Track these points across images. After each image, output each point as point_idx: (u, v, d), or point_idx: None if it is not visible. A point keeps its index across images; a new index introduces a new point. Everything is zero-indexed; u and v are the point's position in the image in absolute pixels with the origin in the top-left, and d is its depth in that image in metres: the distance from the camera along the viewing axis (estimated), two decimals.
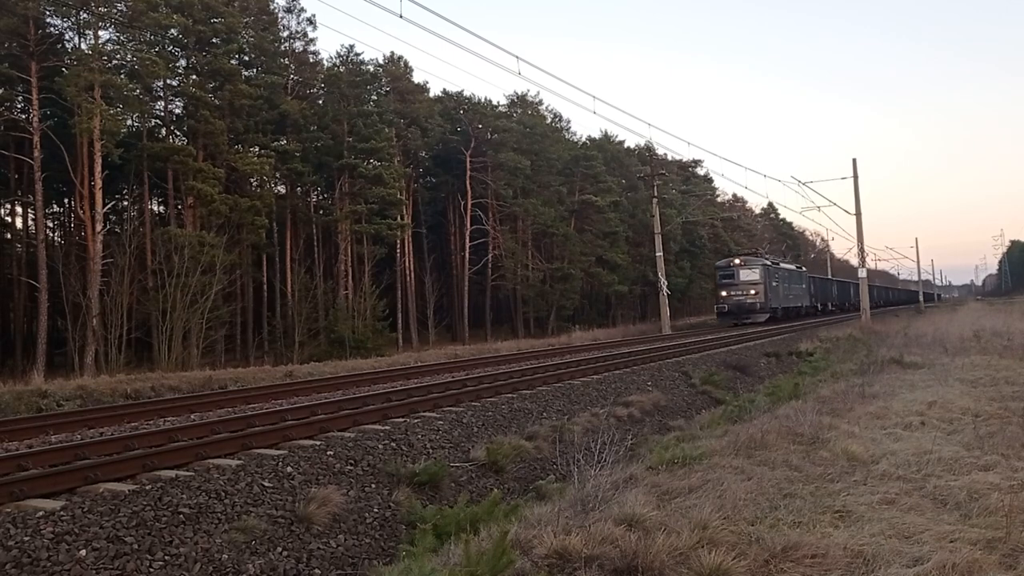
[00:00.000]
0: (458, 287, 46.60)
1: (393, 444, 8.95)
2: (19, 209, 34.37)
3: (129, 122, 31.65)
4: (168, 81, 33.41)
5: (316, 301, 35.69)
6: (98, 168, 28.03)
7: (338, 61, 41.78)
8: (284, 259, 37.81)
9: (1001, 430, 8.31)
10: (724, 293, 40.41)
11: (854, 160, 37.21)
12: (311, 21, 40.89)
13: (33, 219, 32.46)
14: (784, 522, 5.02)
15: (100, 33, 30.18)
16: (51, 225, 36.00)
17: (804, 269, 53.22)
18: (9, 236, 34.65)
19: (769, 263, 41.69)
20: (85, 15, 29.69)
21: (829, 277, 68.02)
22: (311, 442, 8.55)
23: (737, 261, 41.06)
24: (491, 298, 47.75)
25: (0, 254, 34.56)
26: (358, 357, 27.66)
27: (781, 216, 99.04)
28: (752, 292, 39.21)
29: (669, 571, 4.24)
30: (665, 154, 61.60)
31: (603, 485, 5.74)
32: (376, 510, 7.42)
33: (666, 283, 41.53)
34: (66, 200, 36.62)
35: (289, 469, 7.56)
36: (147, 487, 6.56)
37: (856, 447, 7.36)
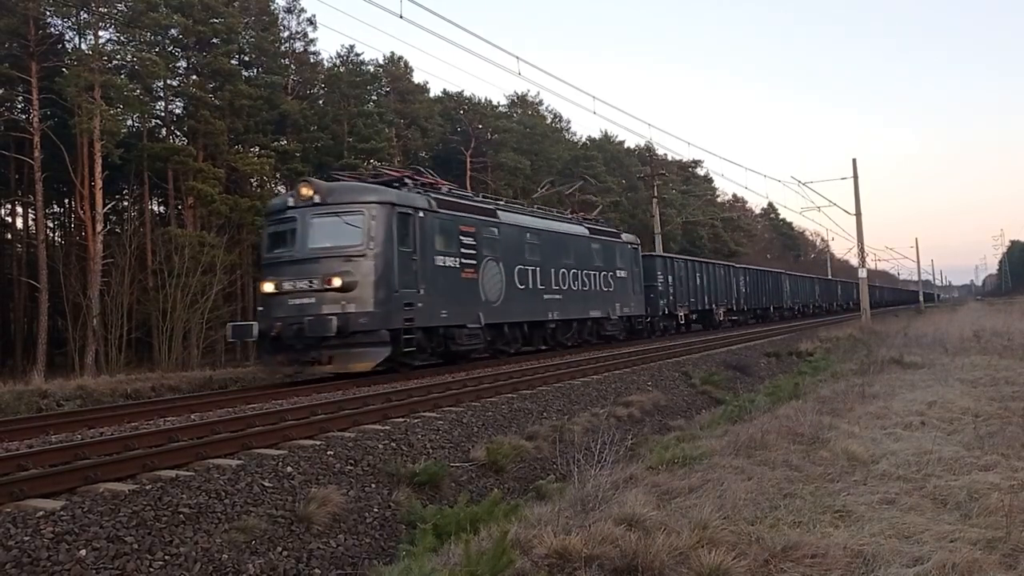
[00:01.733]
0: None
1: (393, 444, 8.95)
2: (19, 209, 34.41)
3: (129, 122, 31.68)
4: (168, 81, 33.43)
5: None
6: (98, 168, 28.04)
7: (338, 61, 41.82)
8: None
9: (1001, 430, 8.31)
10: (270, 287, 14.53)
11: (854, 160, 37.16)
12: (311, 21, 40.91)
13: (33, 219, 32.48)
14: (784, 522, 5.02)
15: (100, 33, 30.22)
16: (51, 225, 35.99)
17: (630, 240, 26.70)
18: (9, 236, 34.67)
19: (420, 202, 15.80)
20: (85, 15, 29.70)
21: (724, 263, 42.27)
22: (311, 442, 8.54)
23: (307, 192, 14.68)
24: None
25: (0, 254, 34.57)
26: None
27: (781, 216, 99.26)
28: (336, 285, 13.94)
29: (669, 571, 4.24)
30: (665, 154, 61.66)
31: (603, 485, 5.74)
32: (376, 510, 7.42)
33: None
34: (66, 200, 36.62)
35: (289, 469, 7.55)
36: (147, 487, 6.56)
37: (856, 447, 7.36)
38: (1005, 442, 7.60)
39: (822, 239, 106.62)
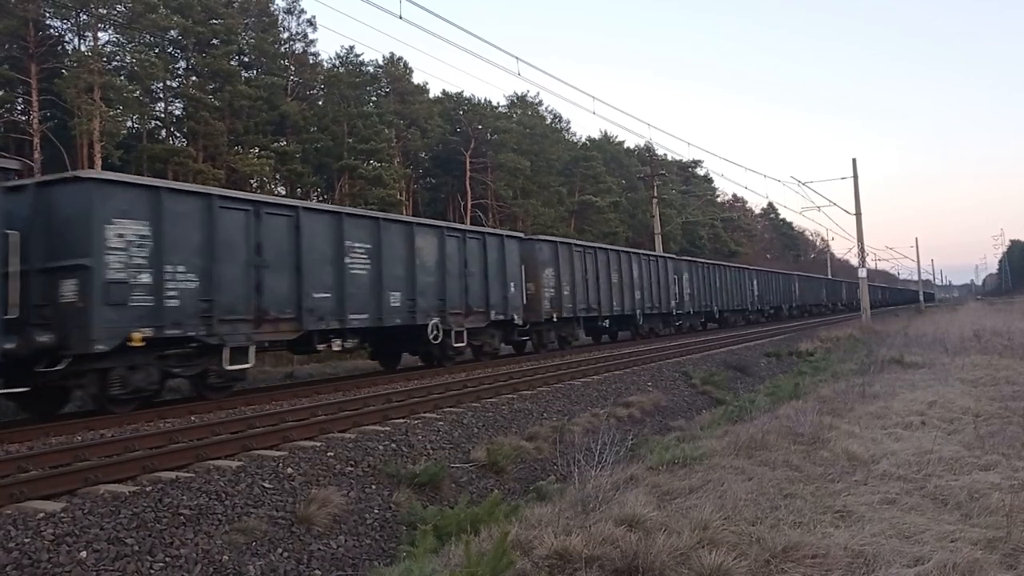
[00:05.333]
0: None
1: (393, 445, 8.95)
2: None
3: (129, 123, 31.67)
4: (167, 82, 33.43)
5: None
6: (98, 169, 28.04)
7: (338, 62, 41.81)
8: None
9: (1002, 430, 8.31)
10: None
11: (854, 160, 37.15)
12: (311, 22, 40.85)
13: None
14: (785, 522, 5.02)
15: (99, 35, 30.23)
16: None
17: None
18: None
19: None
20: (85, 17, 29.71)
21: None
22: (311, 443, 8.54)
23: None
24: None
25: None
26: (359, 358, 27.57)
27: (781, 216, 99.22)
28: None
29: (670, 571, 4.24)
30: (665, 154, 61.68)
31: (604, 485, 5.74)
32: (376, 511, 7.41)
33: None
34: None
35: (289, 470, 7.56)
36: (147, 488, 6.56)
37: (857, 447, 7.36)
38: (1005, 442, 7.60)
39: (822, 239, 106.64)
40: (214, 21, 33.40)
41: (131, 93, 29.63)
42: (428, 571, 4.24)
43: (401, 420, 10.13)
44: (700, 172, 74.42)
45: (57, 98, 27.37)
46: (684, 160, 63.85)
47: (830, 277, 71.58)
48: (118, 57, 31.03)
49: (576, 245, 24.06)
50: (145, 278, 10.58)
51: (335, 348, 14.33)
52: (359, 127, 38.22)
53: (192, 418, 10.51)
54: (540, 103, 55.13)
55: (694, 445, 7.76)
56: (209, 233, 11.52)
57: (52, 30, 30.36)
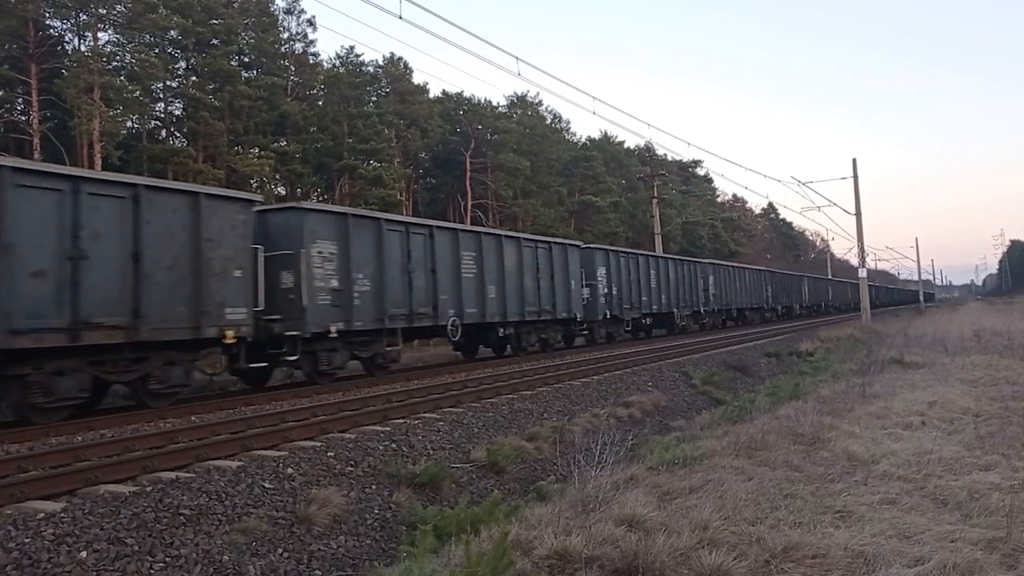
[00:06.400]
0: None
1: (393, 445, 8.95)
2: None
3: (129, 123, 31.67)
4: (167, 82, 33.43)
5: None
6: (98, 169, 28.03)
7: (338, 62, 41.79)
8: None
9: (1002, 430, 8.31)
10: None
11: (854, 160, 37.13)
12: (311, 23, 40.85)
13: None
14: (785, 522, 5.02)
15: (99, 35, 30.24)
16: None
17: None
18: None
19: None
20: (84, 17, 29.73)
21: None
22: (311, 443, 8.54)
23: None
24: None
25: None
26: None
27: (781, 216, 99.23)
28: None
29: (670, 571, 4.24)
30: (665, 154, 61.61)
31: (604, 486, 5.74)
32: (377, 511, 7.41)
33: None
34: None
35: (290, 470, 7.56)
36: (148, 488, 6.56)
37: (857, 447, 7.36)
38: (1005, 442, 7.60)
39: (822, 239, 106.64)
40: (214, 21, 33.40)
41: (131, 93, 29.64)
42: (428, 571, 4.24)
43: (401, 420, 10.13)
44: (700, 172, 74.43)
45: (57, 98, 27.38)
46: (684, 160, 63.88)
47: (786, 272, 54.55)
48: (118, 57, 31.05)
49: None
50: None
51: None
52: (359, 127, 38.21)
53: (192, 418, 10.51)
54: (540, 103, 55.15)
55: (694, 445, 7.76)
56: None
57: (52, 30, 30.38)
